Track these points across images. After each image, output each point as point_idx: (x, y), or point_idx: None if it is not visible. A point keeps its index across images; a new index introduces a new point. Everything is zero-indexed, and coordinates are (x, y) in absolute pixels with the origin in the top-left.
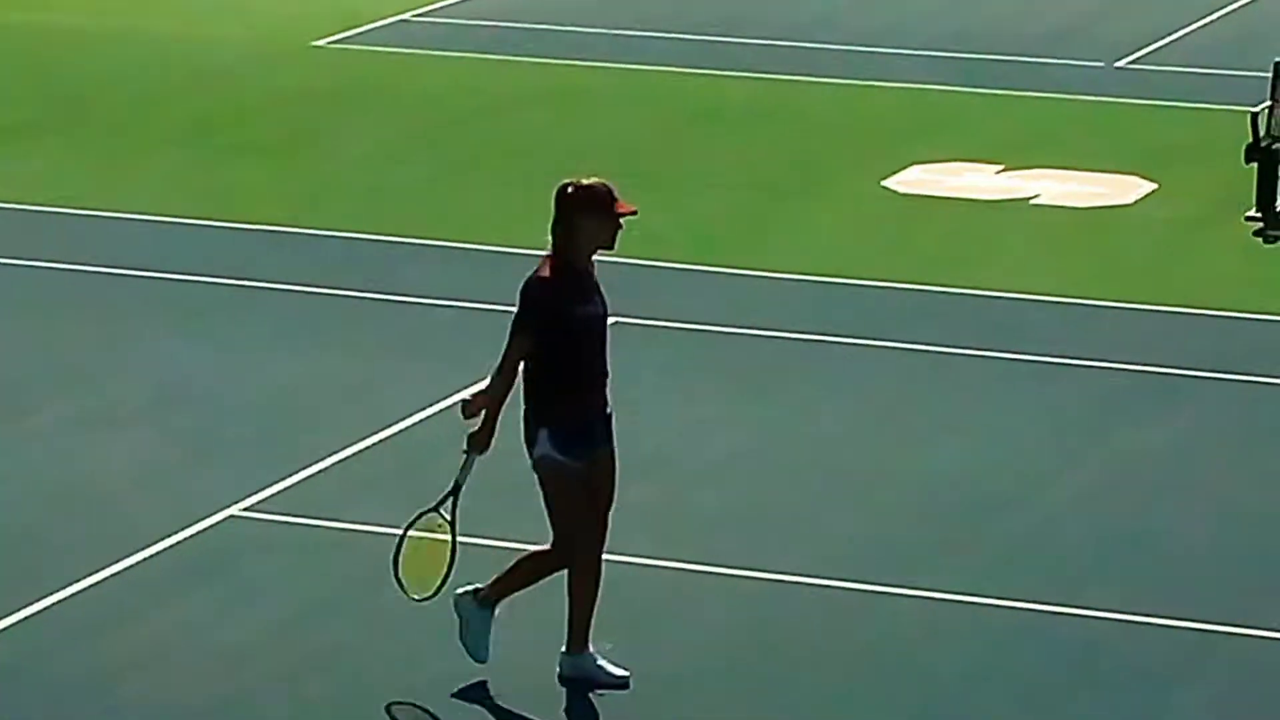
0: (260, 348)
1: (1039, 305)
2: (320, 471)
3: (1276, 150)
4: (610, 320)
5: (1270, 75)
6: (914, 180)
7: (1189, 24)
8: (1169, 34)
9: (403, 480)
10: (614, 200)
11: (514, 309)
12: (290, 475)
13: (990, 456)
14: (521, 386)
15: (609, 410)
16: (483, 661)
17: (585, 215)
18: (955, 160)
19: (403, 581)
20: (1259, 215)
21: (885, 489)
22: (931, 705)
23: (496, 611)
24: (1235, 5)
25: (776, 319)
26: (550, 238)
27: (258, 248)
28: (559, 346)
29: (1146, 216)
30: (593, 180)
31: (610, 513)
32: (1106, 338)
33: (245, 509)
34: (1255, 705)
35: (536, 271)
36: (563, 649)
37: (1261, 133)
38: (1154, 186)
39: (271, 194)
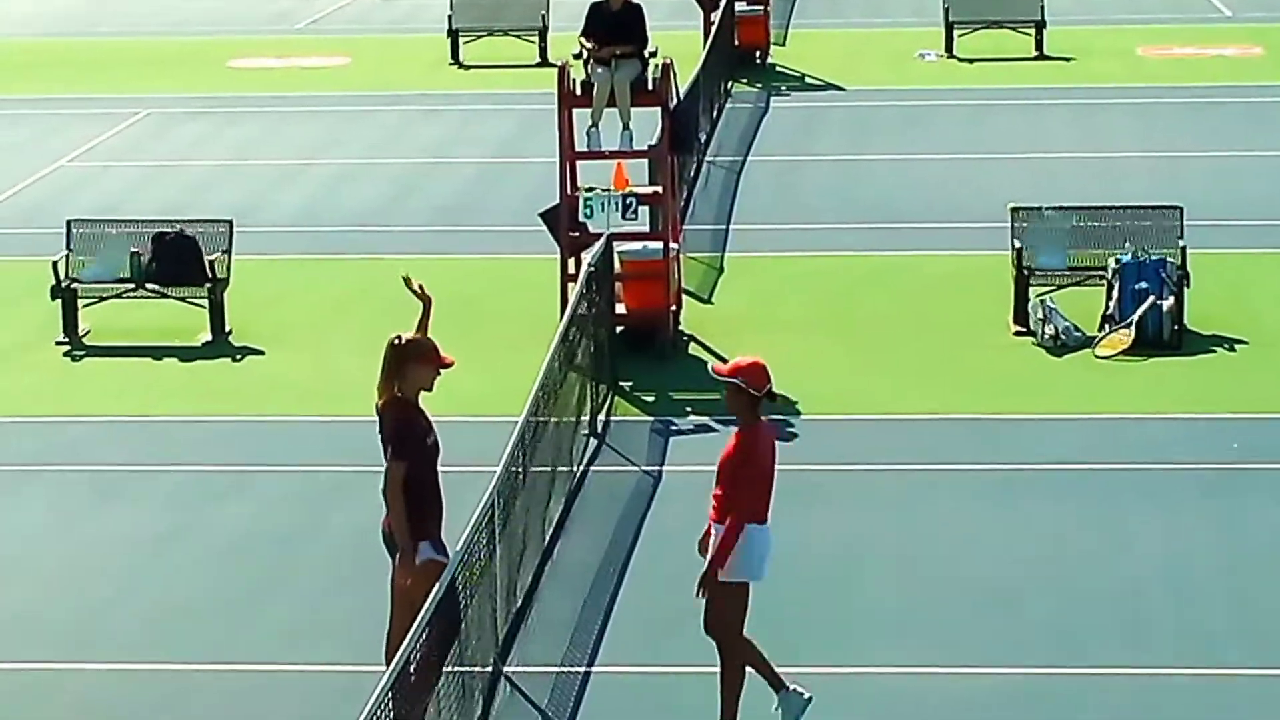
0: None
1: None
2: None
3: None
4: None
5: None
6: None
7: None
8: None
9: None
10: (437, 352)
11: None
12: None
13: None
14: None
15: None
16: None
17: (415, 362)
18: None
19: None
20: None
21: None
22: None
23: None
24: None
25: None
26: (384, 384)
27: None
28: (424, 470)
29: None
30: (417, 335)
31: None
32: None
33: None
34: None
35: (396, 410)
36: None
37: None
38: None
39: None
